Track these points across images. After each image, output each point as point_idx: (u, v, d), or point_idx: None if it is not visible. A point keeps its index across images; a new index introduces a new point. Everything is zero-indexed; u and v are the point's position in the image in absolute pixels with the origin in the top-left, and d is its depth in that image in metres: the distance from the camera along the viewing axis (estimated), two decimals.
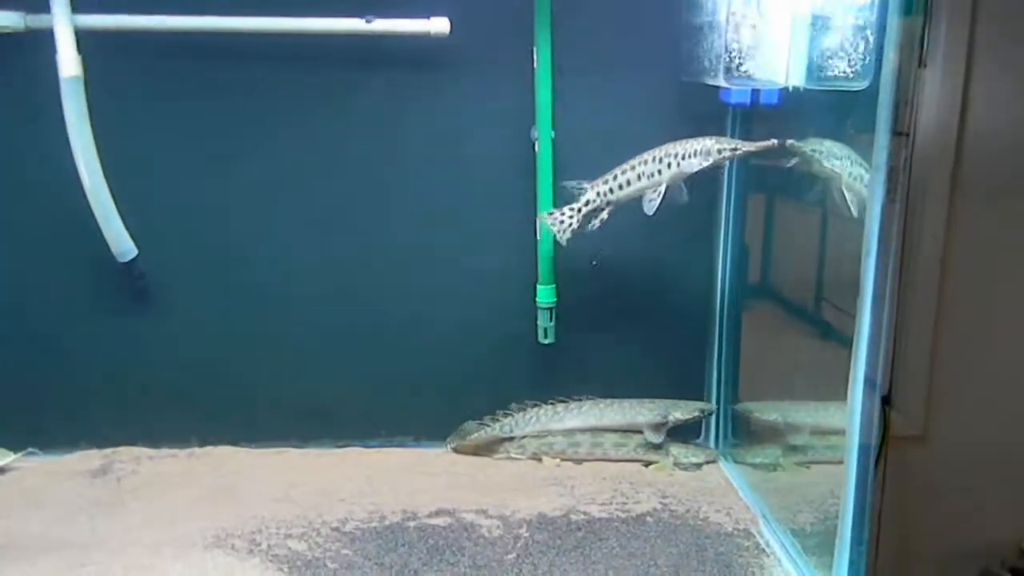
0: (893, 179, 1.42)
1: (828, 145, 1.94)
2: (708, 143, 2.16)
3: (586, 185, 2.28)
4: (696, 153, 2.15)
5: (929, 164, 1.42)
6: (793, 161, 2.04)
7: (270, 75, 2.34)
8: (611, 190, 2.26)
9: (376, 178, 2.42)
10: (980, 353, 1.48)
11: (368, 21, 2.26)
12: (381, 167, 2.42)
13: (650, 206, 2.20)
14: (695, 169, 2.16)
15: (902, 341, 1.46)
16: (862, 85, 1.84)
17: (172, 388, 2.45)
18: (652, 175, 2.21)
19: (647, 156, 2.22)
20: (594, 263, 2.45)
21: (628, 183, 2.24)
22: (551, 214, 2.31)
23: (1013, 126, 1.44)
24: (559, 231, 2.30)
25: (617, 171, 2.25)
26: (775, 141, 2.05)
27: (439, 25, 2.27)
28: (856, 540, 1.50)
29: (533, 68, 2.33)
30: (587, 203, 2.28)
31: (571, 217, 2.30)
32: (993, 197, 1.45)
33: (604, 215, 2.29)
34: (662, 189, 2.19)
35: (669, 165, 2.18)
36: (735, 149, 2.13)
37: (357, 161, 2.41)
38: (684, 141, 2.18)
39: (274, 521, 2.12)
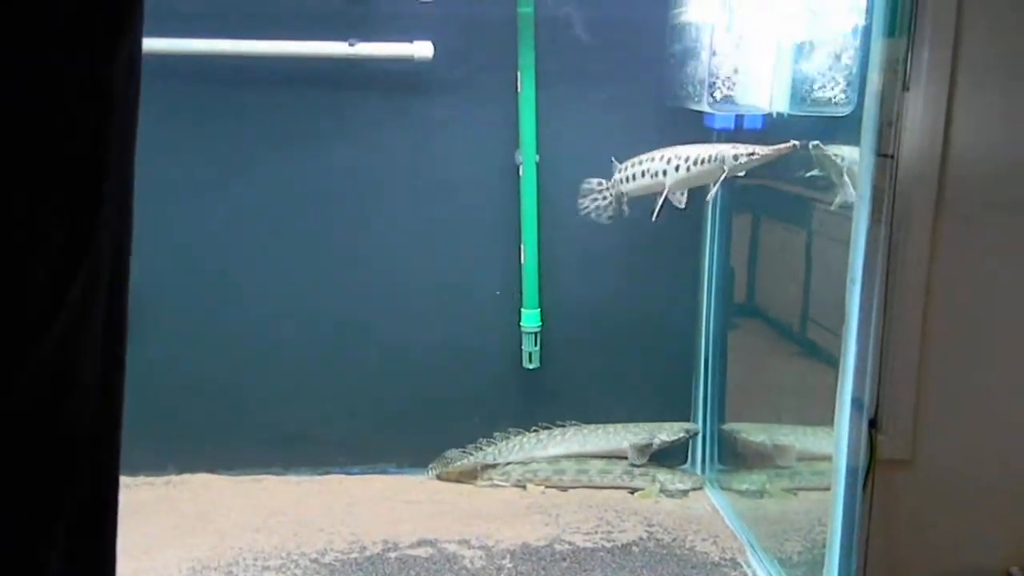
0: (878, 201, 1.41)
1: (847, 151, 1.83)
2: (724, 148, 2.01)
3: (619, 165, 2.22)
4: (711, 159, 2.00)
5: (913, 187, 1.42)
6: (813, 172, 1.91)
7: (253, 98, 2.33)
8: (621, 181, 2.20)
9: (358, 202, 2.41)
10: (967, 375, 1.47)
11: (351, 45, 2.26)
12: (363, 190, 2.41)
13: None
14: (709, 180, 2.03)
15: (888, 363, 1.45)
16: (847, 110, 1.84)
17: (149, 414, 2.39)
18: (656, 174, 2.10)
19: (655, 154, 2.12)
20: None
21: (633, 178, 2.16)
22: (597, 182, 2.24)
23: (996, 149, 1.45)
24: (588, 206, 2.23)
25: (628, 163, 2.19)
26: (795, 143, 1.89)
27: (423, 49, 2.27)
28: (844, 569, 1.48)
29: (517, 92, 2.33)
30: (613, 184, 2.23)
31: (600, 194, 2.23)
32: (976, 219, 1.45)
33: (622, 206, 2.20)
34: (664, 192, 2.07)
35: (677, 168, 2.06)
36: (752, 155, 1.97)
37: (339, 184, 2.40)
38: (697, 145, 2.08)
39: (251, 552, 2.07)
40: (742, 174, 2.05)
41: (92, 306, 0.75)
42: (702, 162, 2.03)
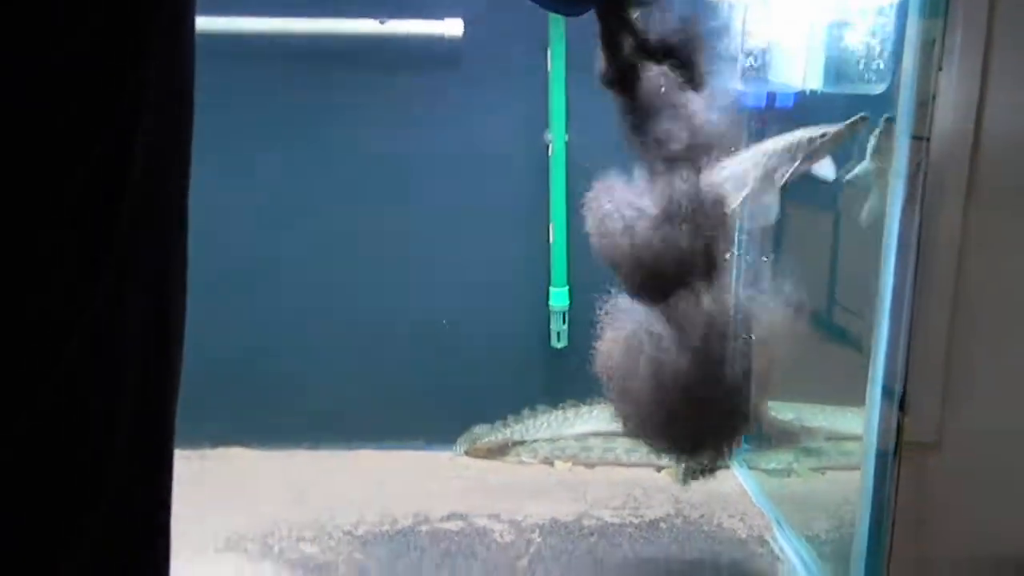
0: (913, 183, 1.40)
1: None
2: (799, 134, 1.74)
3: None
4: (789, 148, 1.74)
5: (945, 168, 1.41)
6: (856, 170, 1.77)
7: (280, 76, 2.34)
8: None
9: (386, 180, 2.42)
10: (995, 358, 1.46)
11: (381, 22, 2.26)
12: (391, 169, 2.42)
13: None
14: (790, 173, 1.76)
15: (917, 345, 1.44)
16: (881, 88, 1.82)
17: (183, 390, 2.45)
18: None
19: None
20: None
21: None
22: None
23: None
24: None
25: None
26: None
27: (452, 27, 2.27)
28: (873, 549, 1.48)
29: (547, 71, 2.32)
30: None
31: None
32: (1009, 201, 1.44)
33: None
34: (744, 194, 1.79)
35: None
36: (823, 135, 1.69)
37: (366, 163, 2.41)
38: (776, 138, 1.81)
39: (286, 524, 2.12)
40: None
41: (118, 330, 0.72)
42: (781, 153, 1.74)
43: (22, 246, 0.63)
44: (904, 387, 1.44)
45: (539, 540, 2.06)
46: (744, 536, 2.10)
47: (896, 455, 1.43)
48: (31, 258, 0.64)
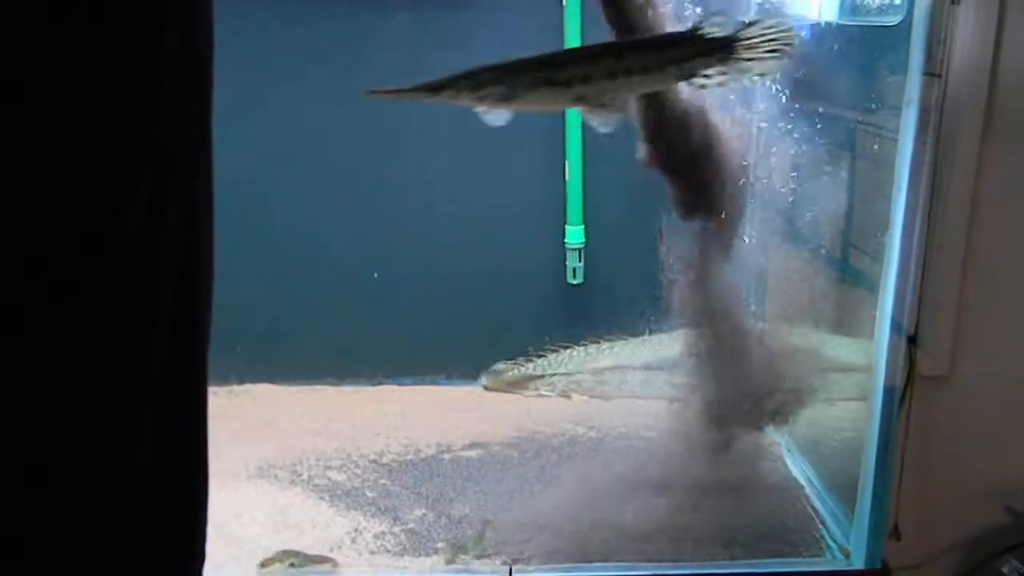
0: (924, 123, 1.41)
1: None
2: None
3: None
4: None
5: (961, 103, 1.42)
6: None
7: (287, 15, 2.33)
8: None
9: (403, 118, 2.43)
10: (1008, 293, 1.48)
11: None
12: (408, 107, 2.41)
13: None
14: None
15: (929, 280, 1.46)
16: (895, 19, 1.81)
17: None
18: None
19: None
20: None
21: None
22: None
23: None
24: None
25: None
26: None
27: None
28: (880, 479, 1.53)
29: (562, 4, 2.31)
30: None
31: None
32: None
33: None
34: None
35: None
36: None
37: (380, 101, 2.41)
38: None
39: (314, 454, 2.20)
40: None
41: (156, 250, 0.77)
42: None
43: (72, 134, 0.70)
44: (917, 321, 1.46)
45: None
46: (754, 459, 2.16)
47: (907, 388, 1.47)
48: (80, 146, 0.70)
